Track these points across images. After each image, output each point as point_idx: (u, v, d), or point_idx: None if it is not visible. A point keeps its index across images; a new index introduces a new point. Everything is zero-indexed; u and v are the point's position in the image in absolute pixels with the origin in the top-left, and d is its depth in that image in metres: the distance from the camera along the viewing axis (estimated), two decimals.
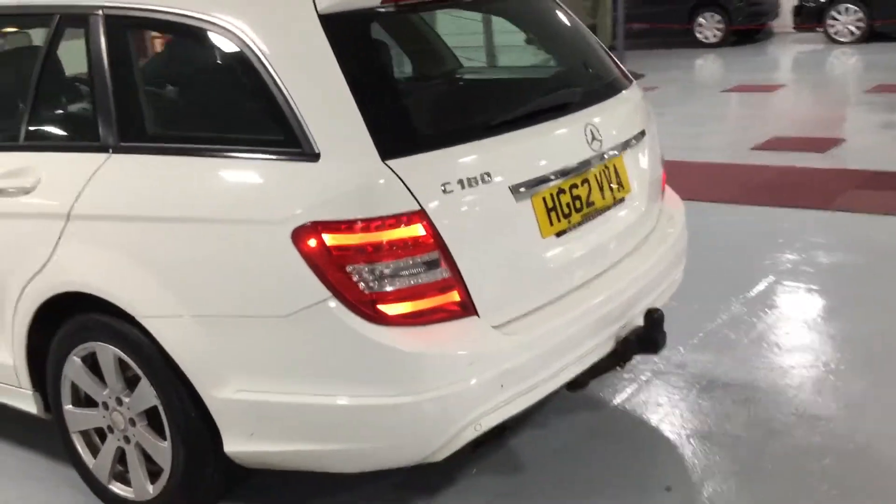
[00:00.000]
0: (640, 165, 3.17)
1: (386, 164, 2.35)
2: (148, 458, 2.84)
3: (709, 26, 15.19)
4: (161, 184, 2.65)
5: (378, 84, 2.51)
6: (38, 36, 3.20)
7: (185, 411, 2.63)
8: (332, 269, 2.34)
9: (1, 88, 3.36)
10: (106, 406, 2.86)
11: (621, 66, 3.42)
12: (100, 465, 2.96)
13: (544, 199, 2.70)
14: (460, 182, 2.44)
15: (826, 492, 2.82)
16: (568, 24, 3.35)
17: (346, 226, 2.33)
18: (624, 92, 3.21)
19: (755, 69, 12.37)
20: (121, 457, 2.91)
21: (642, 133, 3.18)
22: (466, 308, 2.46)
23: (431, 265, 2.39)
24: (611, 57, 3.40)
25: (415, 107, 2.63)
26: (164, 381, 2.64)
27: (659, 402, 3.44)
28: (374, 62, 2.58)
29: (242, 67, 2.53)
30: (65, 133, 3.03)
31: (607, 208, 2.96)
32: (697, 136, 8.26)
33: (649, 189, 3.20)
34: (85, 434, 2.99)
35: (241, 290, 2.49)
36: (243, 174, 2.52)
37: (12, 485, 3.25)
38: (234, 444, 2.59)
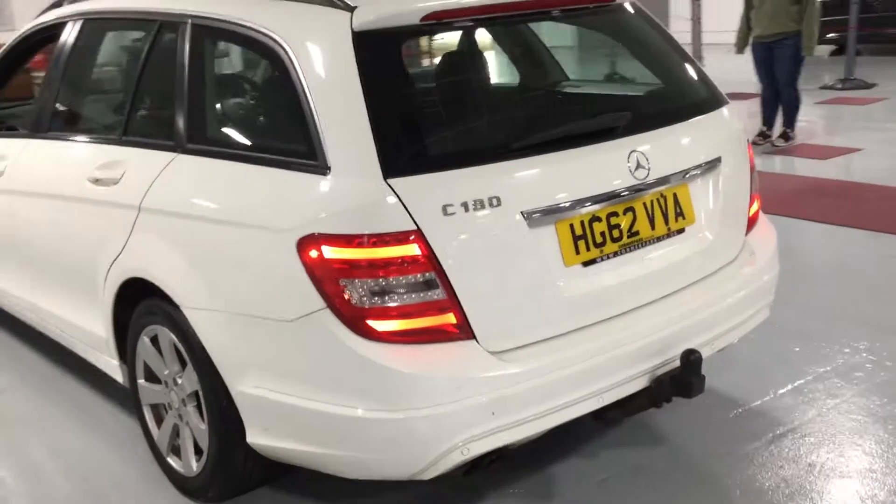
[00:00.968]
0: (712, 195, 3.00)
1: (387, 183, 2.39)
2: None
3: None
4: (203, 185, 2.84)
5: (396, 103, 2.55)
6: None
7: (218, 399, 2.80)
8: (329, 281, 2.41)
9: (103, 85, 3.69)
10: (167, 384, 3.10)
11: (713, 86, 3.23)
12: (161, 437, 3.20)
13: (572, 226, 2.63)
14: (464, 205, 2.43)
15: None
16: (647, 40, 3.21)
17: (343, 240, 2.39)
18: (700, 117, 3.04)
19: None
20: (177, 433, 3.14)
21: (717, 160, 3.01)
22: (463, 331, 2.45)
23: (426, 285, 2.41)
24: (701, 76, 3.23)
25: (431, 126, 2.63)
26: (203, 368, 2.83)
27: (720, 451, 3.23)
28: (399, 81, 2.61)
29: (282, 80, 2.65)
30: (150, 131, 3.29)
31: (658, 239, 2.83)
32: None
33: (723, 220, 3.03)
34: (153, 407, 3.24)
35: (257, 292, 2.62)
36: (268, 181, 2.64)
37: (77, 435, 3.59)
38: (254, 436, 2.73)
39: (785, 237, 5.59)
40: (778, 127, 8.40)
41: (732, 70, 8.59)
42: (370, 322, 2.40)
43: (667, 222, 2.87)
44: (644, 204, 2.80)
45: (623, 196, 2.73)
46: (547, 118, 2.92)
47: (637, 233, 2.78)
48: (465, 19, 2.79)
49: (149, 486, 3.21)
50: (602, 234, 2.70)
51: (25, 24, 4.16)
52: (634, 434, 3.33)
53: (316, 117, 2.52)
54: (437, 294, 2.42)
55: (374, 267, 2.39)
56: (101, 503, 3.18)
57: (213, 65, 3.04)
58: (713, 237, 2.99)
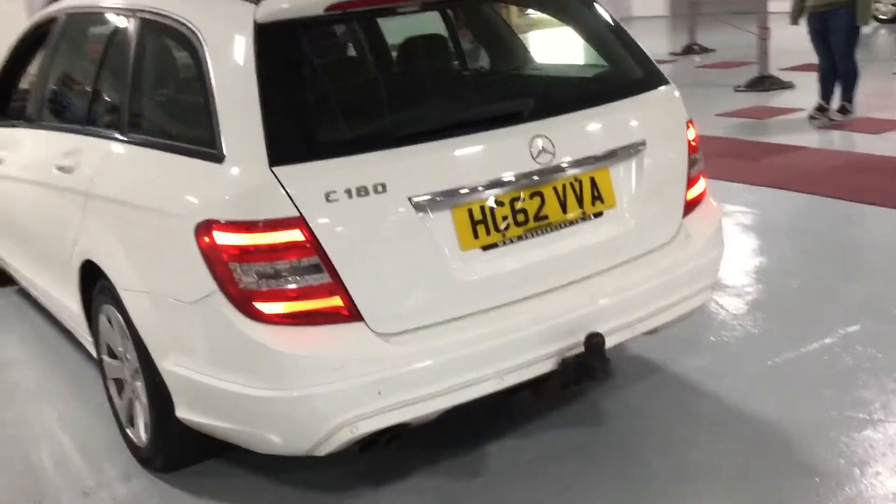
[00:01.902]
0: (635, 178, 2.99)
1: (272, 171, 2.48)
2: None
3: None
4: (127, 172, 3.02)
5: (287, 93, 2.62)
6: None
7: (151, 375, 2.97)
8: (219, 264, 2.53)
9: (77, 77, 3.89)
10: (122, 360, 3.29)
11: (649, 68, 3.20)
12: (120, 409, 3.40)
13: (470, 211, 2.68)
14: (347, 192, 2.50)
15: None
16: (576, 21, 3.21)
17: (231, 226, 2.50)
18: (622, 100, 3.03)
19: None
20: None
21: (640, 143, 2.99)
22: (351, 314, 2.54)
23: (310, 270, 2.50)
24: (637, 58, 3.20)
25: (320, 116, 2.70)
26: (137, 345, 3.00)
27: (660, 433, 3.23)
28: (295, 71, 2.68)
29: (195, 70, 2.78)
30: (101, 120, 3.47)
31: (571, 223, 2.85)
32: None
33: (650, 203, 3.01)
34: (116, 381, 3.44)
35: (168, 275, 2.77)
36: (177, 169, 2.79)
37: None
38: (181, 411, 2.88)
39: (807, 216, 5.52)
40: (837, 100, 8.11)
41: (802, 39, 8.31)
42: (257, 304, 2.51)
43: (581, 206, 2.88)
44: (555, 188, 2.82)
45: (528, 181, 2.75)
46: (444, 105, 2.95)
47: (545, 217, 2.80)
48: (370, 8, 2.85)
49: (111, 453, 3.41)
50: (504, 218, 2.73)
51: None
52: (577, 415, 3.35)
53: (216, 107, 2.63)
54: (322, 278, 2.50)
55: (259, 252, 2.49)
56: (65, 466, 3.39)
57: (142, 55, 3.19)
58: (637, 220, 2.98)
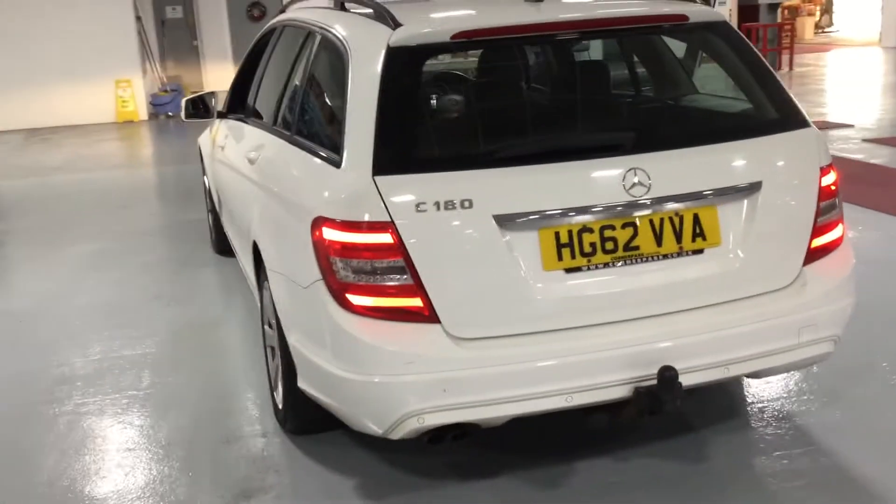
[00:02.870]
0: (746, 219, 2.98)
1: (373, 180, 2.77)
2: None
3: None
4: (279, 165, 3.43)
5: (399, 111, 2.88)
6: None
7: (283, 346, 3.36)
8: (324, 257, 2.86)
9: (277, 82, 4.35)
10: (274, 331, 3.72)
11: (788, 110, 3.15)
12: (271, 375, 3.84)
13: (557, 233, 2.82)
14: (436, 204, 2.73)
15: None
16: (721, 59, 3.22)
17: (335, 224, 2.82)
18: (740, 140, 3.02)
19: None
20: None
21: (756, 185, 2.97)
22: (429, 315, 2.77)
23: (396, 270, 2.76)
24: (775, 99, 3.16)
25: (424, 134, 2.93)
26: (277, 319, 3.40)
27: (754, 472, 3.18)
28: (412, 92, 2.94)
29: (340, 81, 3.12)
30: (279, 120, 3.92)
31: (665, 256, 2.90)
32: None
33: (763, 247, 2.99)
34: (270, 348, 3.89)
35: (294, 261, 3.13)
36: (312, 168, 3.15)
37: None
38: (301, 382, 3.25)
39: None
40: None
41: None
42: (349, 296, 2.81)
43: (679, 241, 2.91)
44: (651, 221, 2.88)
45: (620, 211, 2.84)
46: (543, 132, 3.08)
47: (637, 247, 2.88)
48: (492, 38, 3.05)
49: (261, 412, 3.88)
50: (592, 244, 2.84)
51: None
52: (681, 448, 3.37)
53: (345, 116, 2.96)
54: (406, 279, 2.76)
55: (354, 249, 2.78)
56: (219, 415, 3.89)
57: (313, 65, 3.60)
58: (744, 262, 2.97)
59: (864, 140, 9.65)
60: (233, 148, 4.69)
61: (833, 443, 3.37)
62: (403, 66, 2.94)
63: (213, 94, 5.39)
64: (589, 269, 2.85)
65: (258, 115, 4.51)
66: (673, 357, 2.83)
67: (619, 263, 2.88)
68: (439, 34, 2.99)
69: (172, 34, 16.15)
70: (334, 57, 3.36)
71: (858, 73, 16.91)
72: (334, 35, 3.37)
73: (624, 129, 3.06)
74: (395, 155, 2.84)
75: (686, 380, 2.85)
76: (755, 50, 3.28)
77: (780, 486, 3.13)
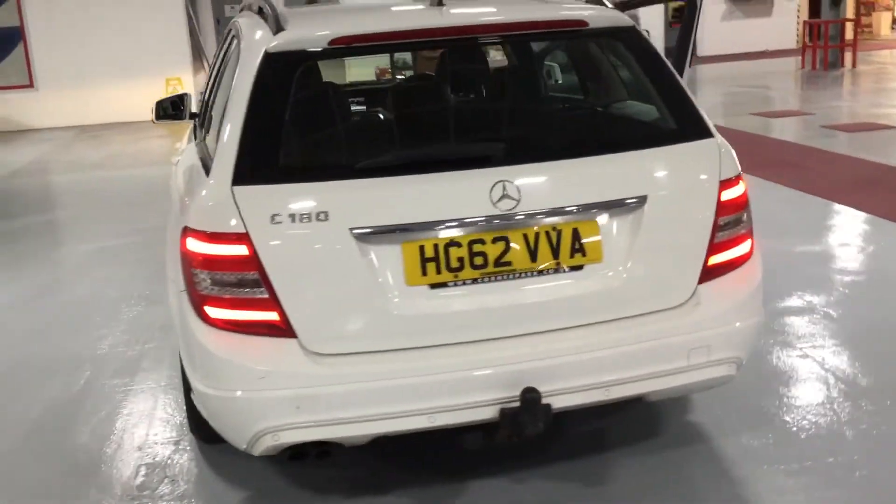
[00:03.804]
0: (632, 235, 2.82)
1: (231, 190, 2.71)
2: None
3: None
4: (180, 171, 3.40)
5: (266, 119, 2.80)
6: None
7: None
8: (187, 268, 2.81)
9: None
10: None
11: (691, 118, 2.98)
12: None
13: (422, 247, 2.71)
14: (291, 216, 2.66)
15: None
16: (625, 64, 3.06)
17: (196, 234, 2.76)
18: (625, 152, 2.87)
19: None
20: None
21: (641, 199, 2.82)
22: (284, 329, 2.69)
23: (251, 283, 2.69)
24: (677, 107, 2.99)
25: (284, 144, 2.80)
26: None
27: None
28: (279, 100, 2.84)
29: (230, 87, 3.05)
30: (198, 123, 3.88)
31: (539, 273, 2.78)
32: None
33: (648, 264, 2.84)
34: None
35: (174, 269, 3.08)
36: (196, 176, 3.08)
37: None
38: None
39: None
40: None
41: None
42: (207, 308, 2.75)
43: (556, 257, 2.78)
44: (525, 235, 2.76)
45: (491, 225, 2.72)
46: (406, 143, 2.96)
47: (508, 263, 2.75)
48: (371, 44, 2.95)
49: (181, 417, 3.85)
50: (460, 259, 2.73)
51: None
52: (577, 467, 3.24)
53: (222, 124, 2.90)
54: (261, 293, 2.68)
55: (212, 261, 2.72)
56: (147, 419, 3.88)
57: (221, 66, 3.55)
58: (626, 280, 2.82)
59: None
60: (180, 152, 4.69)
61: (748, 471, 3.19)
62: (276, 72, 2.87)
63: (187, 95, 5.40)
64: (456, 284, 2.74)
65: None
66: (540, 378, 2.70)
67: (490, 279, 2.76)
68: (317, 40, 2.90)
69: None
70: (234, 61, 3.31)
71: None
72: (239, 38, 3.33)
73: (495, 140, 2.92)
74: (255, 165, 2.76)
75: (558, 402, 2.74)
76: (662, 58, 3.10)
77: None
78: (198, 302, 2.77)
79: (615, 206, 2.81)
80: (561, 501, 3.09)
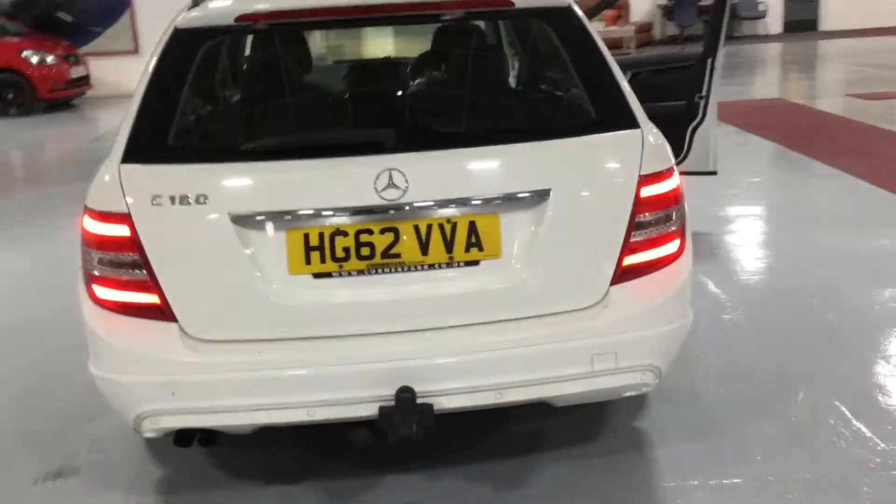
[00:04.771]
0: (536, 231, 2.65)
1: (118, 168, 2.66)
2: None
3: None
4: None
5: (161, 98, 2.73)
6: None
7: None
8: (82, 246, 2.78)
9: None
10: None
11: (614, 107, 2.76)
12: None
13: (306, 235, 2.61)
14: (171, 198, 2.59)
15: None
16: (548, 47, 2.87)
17: (90, 213, 2.73)
18: (530, 142, 2.69)
19: None
20: None
21: (544, 193, 2.63)
22: (164, 313, 2.64)
23: (132, 265, 2.64)
24: (599, 95, 2.79)
25: (177, 123, 2.71)
26: None
27: None
28: (178, 77, 2.76)
29: None
30: None
31: (430, 266, 2.64)
32: None
33: (553, 262, 2.67)
34: None
35: None
36: None
37: None
38: None
39: None
40: None
41: None
42: (94, 286, 2.72)
43: (449, 251, 2.64)
44: (416, 227, 2.62)
45: (379, 215, 2.59)
46: (295, 127, 2.83)
47: (397, 255, 2.62)
48: (279, 22, 2.83)
49: None
50: (346, 249, 2.61)
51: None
52: (500, 467, 3.09)
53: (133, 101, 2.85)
54: (141, 274, 2.63)
55: (98, 241, 2.68)
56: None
57: None
58: (528, 278, 2.65)
59: None
60: None
61: (675, 483, 2.99)
62: (181, 49, 2.80)
63: None
64: (341, 275, 2.63)
65: None
66: (420, 377, 2.57)
67: (376, 271, 2.63)
68: (224, 16, 2.81)
69: None
70: None
71: None
72: None
73: (386, 126, 2.76)
74: (145, 144, 2.70)
75: (443, 403, 2.61)
76: (596, 42, 2.86)
77: None
78: (87, 281, 2.75)
79: (515, 200, 2.64)
80: (468, 501, 2.95)
